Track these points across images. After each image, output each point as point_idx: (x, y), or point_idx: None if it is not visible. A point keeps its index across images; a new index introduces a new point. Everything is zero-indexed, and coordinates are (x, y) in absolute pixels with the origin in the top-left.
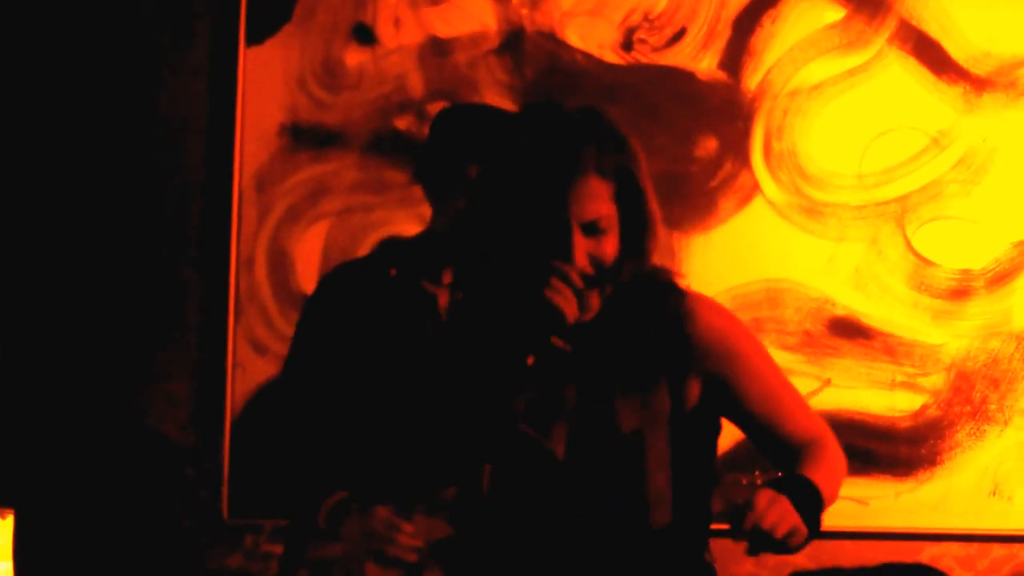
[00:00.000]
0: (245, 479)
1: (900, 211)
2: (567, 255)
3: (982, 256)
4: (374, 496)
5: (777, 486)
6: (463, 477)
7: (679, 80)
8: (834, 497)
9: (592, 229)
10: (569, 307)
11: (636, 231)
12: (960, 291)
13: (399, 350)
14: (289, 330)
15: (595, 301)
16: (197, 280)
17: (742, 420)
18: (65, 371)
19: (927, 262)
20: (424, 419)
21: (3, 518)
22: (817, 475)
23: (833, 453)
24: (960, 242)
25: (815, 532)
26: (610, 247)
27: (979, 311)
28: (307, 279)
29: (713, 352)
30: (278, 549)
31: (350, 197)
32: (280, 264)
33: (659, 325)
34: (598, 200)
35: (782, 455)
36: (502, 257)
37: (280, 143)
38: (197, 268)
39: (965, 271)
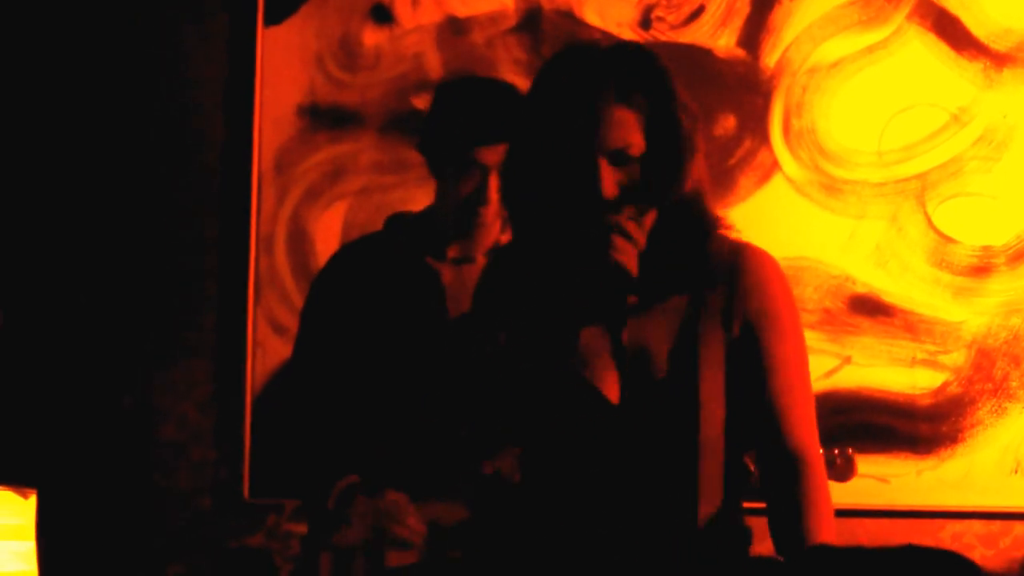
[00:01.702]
0: (266, 459)
1: (920, 188)
2: (595, 185)
3: (1003, 233)
4: (387, 479)
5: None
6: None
7: (697, 58)
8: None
9: (620, 158)
10: (632, 263)
11: (672, 160)
12: (981, 268)
13: (405, 327)
14: None
15: (640, 236)
16: (217, 261)
17: (754, 397)
18: (86, 352)
19: (948, 239)
20: (431, 398)
21: (26, 498)
22: (821, 532)
23: (824, 491)
24: (981, 219)
25: None
26: (643, 178)
27: (1000, 288)
28: (327, 259)
29: (761, 311)
30: (299, 528)
31: (369, 177)
32: (299, 244)
33: (711, 272)
34: (624, 128)
35: (771, 458)
36: (553, 216)
37: (299, 124)
38: (217, 249)
39: (986, 248)
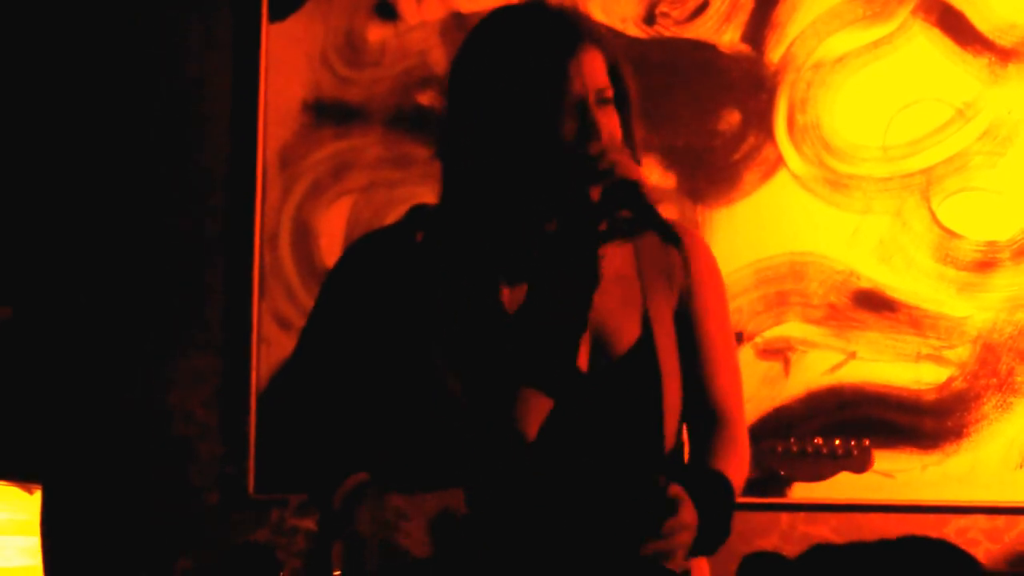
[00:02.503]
0: (271, 454)
1: (925, 183)
2: (593, 130)
3: (1008, 228)
4: (395, 477)
5: (698, 485)
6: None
7: (702, 53)
8: (739, 490)
9: (602, 100)
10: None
11: (627, 110)
12: (986, 263)
13: (424, 317)
14: None
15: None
16: (222, 256)
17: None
18: (91, 348)
19: (952, 234)
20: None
21: (31, 494)
22: (730, 469)
23: (742, 444)
24: (986, 214)
25: (725, 533)
26: (615, 125)
27: (1005, 283)
28: (331, 255)
29: (695, 285)
30: (305, 524)
31: (373, 172)
32: (304, 240)
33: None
34: (601, 69)
35: (698, 414)
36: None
37: (303, 119)
38: (222, 245)
39: (991, 243)
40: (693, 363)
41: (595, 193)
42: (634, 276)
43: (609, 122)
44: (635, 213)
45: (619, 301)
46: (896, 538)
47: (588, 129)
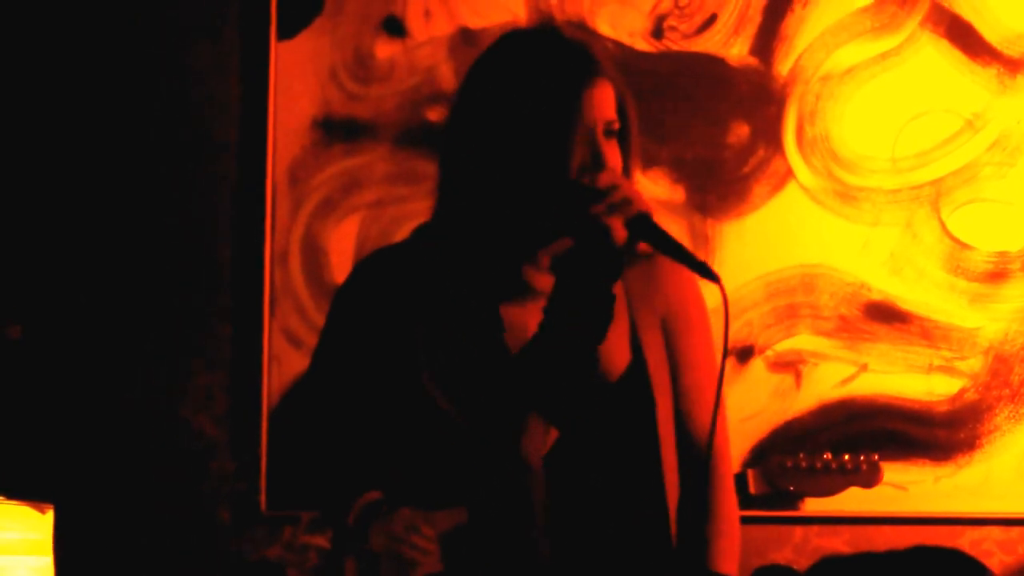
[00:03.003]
0: (283, 471)
1: (935, 194)
2: (598, 161)
3: (1019, 238)
4: (408, 494)
5: None
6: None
7: (710, 67)
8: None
9: (609, 132)
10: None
11: (629, 141)
12: (997, 274)
13: (423, 339)
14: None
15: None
16: (232, 274)
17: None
18: (102, 366)
19: (963, 245)
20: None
21: (43, 513)
22: (723, 546)
23: (727, 489)
24: (996, 224)
25: None
26: (618, 158)
27: (1016, 293)
28: (341, 272)
29: (677, 311)
30: (317, 540)
31: (383, 189)
32: (314, 257)
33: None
34: (612, 103)
35: (684, 449)
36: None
37: (312, 136)
38: (231, 262)
39: (1002, 253)
40: (676, 394)
41: (618, 226)
42: (622, 300)
43: (613, 154)
44: (656, 245)
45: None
46: (906, 548)
47: (596, 160)
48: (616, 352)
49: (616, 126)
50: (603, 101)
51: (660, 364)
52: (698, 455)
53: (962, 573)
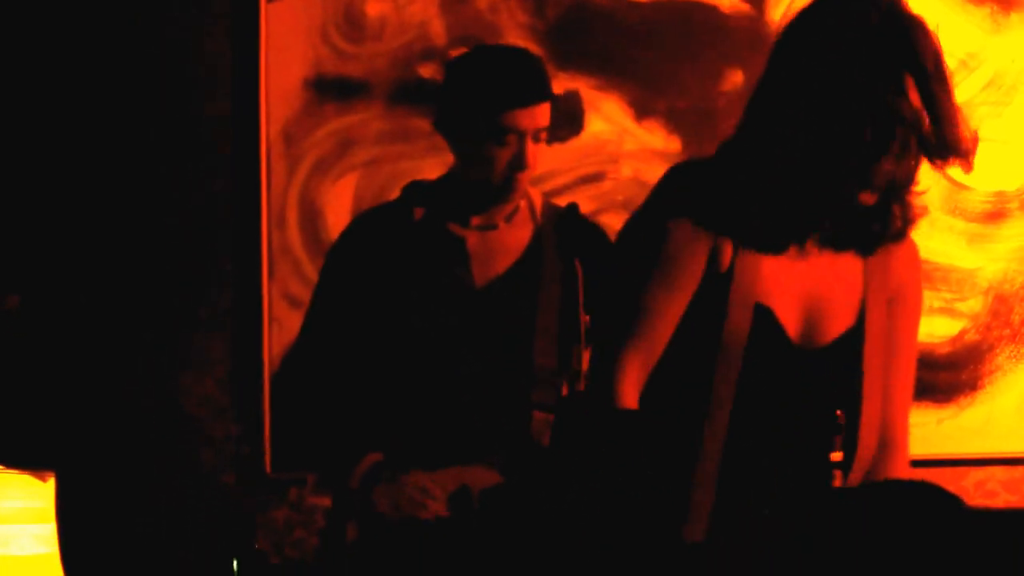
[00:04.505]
0: (287, 433)
1: None
2: (884, 148)
3: (1016, 177)
4: (410, 453)
5: None
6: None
7: (703, 15)
8: None
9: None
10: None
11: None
12: (995, 213)
13: (428, 294)
14: None
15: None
16: (229, 237)
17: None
18: (101, 333)
19: (960, 186)
20: (459, 366)
21: (45, 481)
22: None
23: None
24: (993, 164)
25: None
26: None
27: (1015, 233)
28: (338, 231)
29: (901, 290)
30: (323, 501)
31: (377, 147)
32: (311, 218)
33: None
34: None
35: (858, 427)
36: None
37: (305, 96)
38: (229, 225)
39: (999, 193)
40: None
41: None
42: (859, 272)
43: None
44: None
45: (841, 292)
46: (880, 481)
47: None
48: (838, 318)
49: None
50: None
51: (877, 338)
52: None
53: (934, 505)
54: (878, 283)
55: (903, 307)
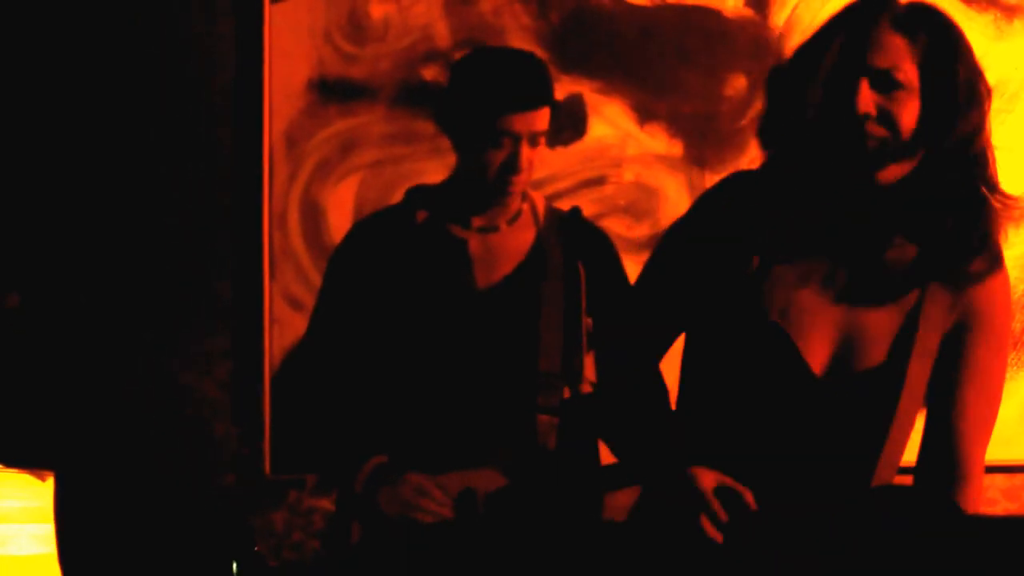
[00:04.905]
0: (286, 434)
1: None
2: (852, 98)
3: (1018, 184)
4: (413, 456)
5: None
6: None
7: (706, 19)
8: None
9: (884, 82)
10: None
11: (945, 104)
12: None
13: (431, 298)
14: None
15: (898, 170)
16: (231, 238)
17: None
18: (102, 333)
19: None
20: (462, 369)
21: (44, 481)
22: None
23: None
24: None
25: None
26: (907, 113)
27: (1017, 240)
28: (340, 233)
29: (978, 314)
30: (322, 503)
31: (380, 149)
32: (313, 219)
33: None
34: (893, 53)
35: (935, 459)
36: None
37: (308, 98)
38: (230, 226)
39: None
40: (944, 398)
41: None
42: (916, 296)
43: (891, 105)
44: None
45: (886, 319)
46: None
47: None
48: (878, 344)
49: (900, 75)
50: (876, 46)
51: (921, 372)
52: (951, 471)
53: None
54: (936, 312)
55: (979, 335)
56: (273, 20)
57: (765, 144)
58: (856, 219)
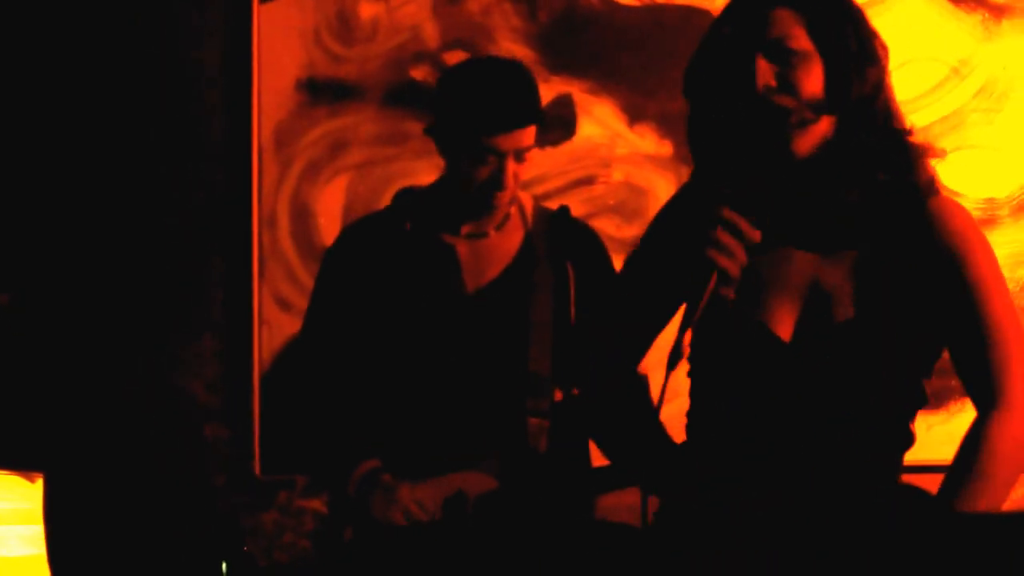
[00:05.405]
0: (276, 435)
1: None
2: (750, 76)
3: (1006, 184)
4: (404, 459)
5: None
6: (505, 429)
7: (695, 19)
8: (993, 504)
9: (779, 52)
10: (734, 266)
11: (842, 64)
12: (985, 220)
13: (421, 302)
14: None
15: (811, 139)
16: (221, 239)
17: (954, 336)
18: (91, 333)
19: (951, 192)
20: (452, 373)
21: (33, 482)
22: (972, 488)
23: (1011, 434)
24: (984, 171)
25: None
26: (810, 80)
27: (1005, 240)
28: (330, 234)
29: (952, 260)
30: (312, 504)
31: (369, 150)
32: (302, 220)
33: (902, 224)
34: (783, 23)
35: (976, 386)
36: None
37: (297, 99)
38: (220, 227)
39: (989, 200)
40: (962, 337)
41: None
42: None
43: (792, 76)
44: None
45: (846, 272)
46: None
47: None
48: (846, 298)
49: (793, 43)
50: (773, 23)
51: (891, 318)
52: (989, 398)
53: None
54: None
55: (961, 264)
56: (262, 20)
57: (694, 149)
58: (788, 195)
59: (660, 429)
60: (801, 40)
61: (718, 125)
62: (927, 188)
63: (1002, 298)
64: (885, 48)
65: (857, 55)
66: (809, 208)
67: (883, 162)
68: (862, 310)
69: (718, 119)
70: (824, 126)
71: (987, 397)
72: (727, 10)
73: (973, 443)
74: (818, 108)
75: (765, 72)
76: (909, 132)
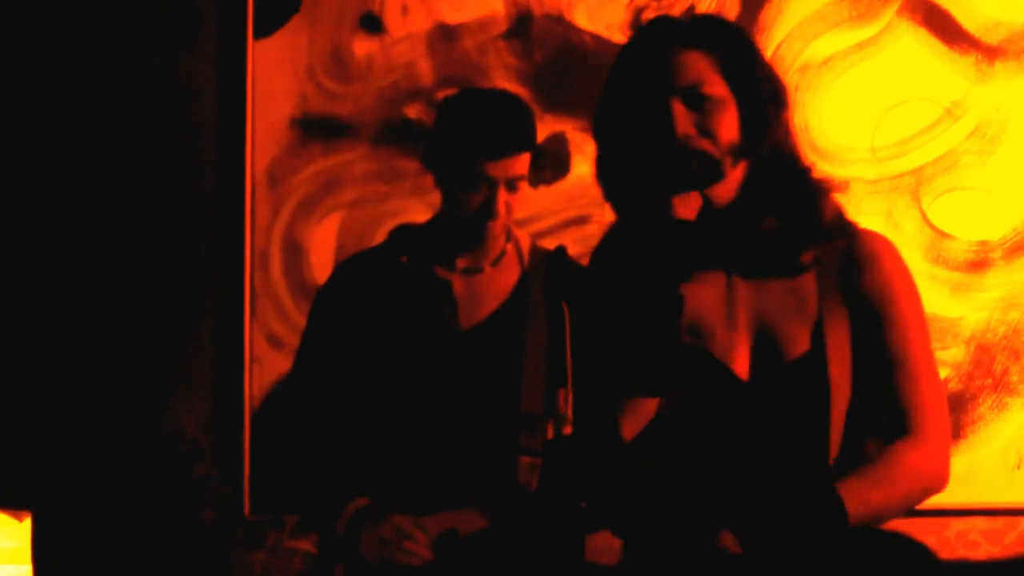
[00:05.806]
0: (266, 475)
1: (915, 184)
2: (668, 123)
3: (999, 226)
4: (396, 497)
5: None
6: (497, 467)
7: None
8: (872, 514)
9: (695, 99)
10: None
11: (758, 107)
12: (978, 263)
13: (415, 339)
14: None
15: (729, 186)
16: (212, 276)
17: (875, 367)
18: (81, 371)
19: (943, 234)
20: (445, 410)
21: (21, 521)
22: (861, 485)
23: (918, 459)
24: (976, 213)
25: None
26: (725, 126)
27: (998, 282)
28: (322, 272)
29: (881, 298)
30: (301, 545)
31: (363, 188)
32: (295, 257)
33: (829, 256)
34: (696, 69)
35: (889, 417)
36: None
37: (291, 136)
38: (212, 264)
39: (982, 242)
40: (879, 372)
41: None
42: (813, 283)
43: (708, 122)
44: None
45: (792, 309)
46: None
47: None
48: (796, 334)
49: (707, 89)
50: (685, 68)
51: (841, 352)
52: (901, 426)
53: (907, 555)
54: (835, 298)
55: (887, 313)
56: (257, 57)
57: (606, 191)
58: (709, 239)
59: (625, 468)
60: (716, 86)
61: (633, 168)
62: (836, 222)
63: (919, 334)
64: (785, 86)
65: (768, 98)
66: (731, 244)
67: (794, 200)
68: (813, 348)
69: (633, 163)
70: (739, 172)
71: (900, 427)
72: (630, 49)
73: (880, 453)
74: (737, 154)
75: (684, 119)
76: (810, 169)
